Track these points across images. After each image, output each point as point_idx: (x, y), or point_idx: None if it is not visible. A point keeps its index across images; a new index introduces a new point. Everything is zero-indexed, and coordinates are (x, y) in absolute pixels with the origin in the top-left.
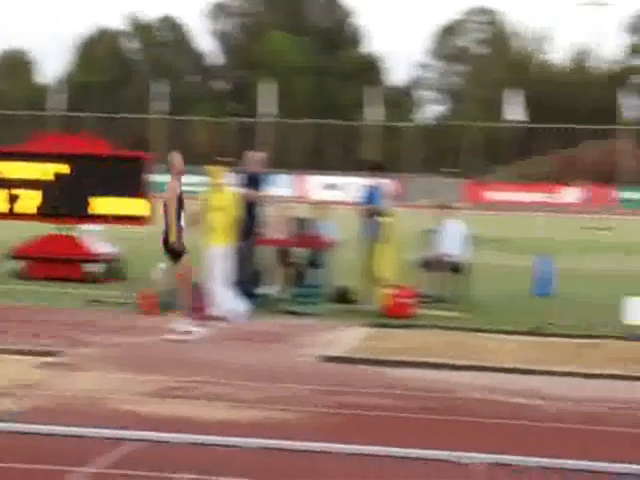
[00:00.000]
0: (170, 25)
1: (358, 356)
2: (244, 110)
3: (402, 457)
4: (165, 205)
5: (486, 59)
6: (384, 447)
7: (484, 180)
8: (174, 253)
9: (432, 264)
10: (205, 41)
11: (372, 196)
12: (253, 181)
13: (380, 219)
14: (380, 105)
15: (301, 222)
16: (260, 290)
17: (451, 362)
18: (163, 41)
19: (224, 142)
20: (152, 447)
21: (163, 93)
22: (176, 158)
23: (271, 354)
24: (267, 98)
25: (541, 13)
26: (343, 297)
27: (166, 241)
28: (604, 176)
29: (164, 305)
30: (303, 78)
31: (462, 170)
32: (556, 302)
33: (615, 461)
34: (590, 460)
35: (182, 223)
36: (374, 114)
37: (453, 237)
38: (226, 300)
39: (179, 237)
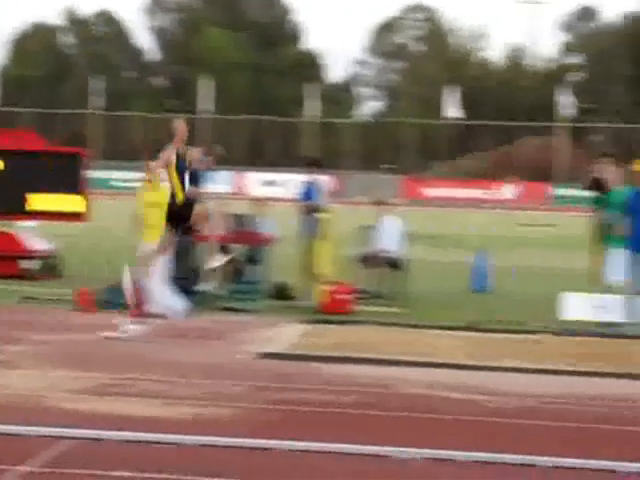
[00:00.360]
0: (107, 20)
1: (296, 352)
2: (182, 106)
3: (340, 453)
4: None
5: (423, 56)
6: (322, 443)
7: (421, 177)
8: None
9: (370, 260)
10: (143, 37)
11: (310, 192)
12: (191, 177)
13: (318, 215)
14: (318, 102)
15: (239, 218)
16: (198, 287)
17: (389, 358)
18: (100, 36)
19: (162, 138)
20: (88, 445)
21: (100, 89)
22: (180, 125)
23: (209, 351)
24: (205, 94)
25: (478, 11)
26: (281, 293)
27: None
28: (540, 173)
29: (102, 302)
30: (241, 74)
31: (399, 167)
32: (493, 298)
33: (549, 455)
34: (525, 454)
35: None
36: (312, 110)
37: (390, 233)
38: (164, 297)
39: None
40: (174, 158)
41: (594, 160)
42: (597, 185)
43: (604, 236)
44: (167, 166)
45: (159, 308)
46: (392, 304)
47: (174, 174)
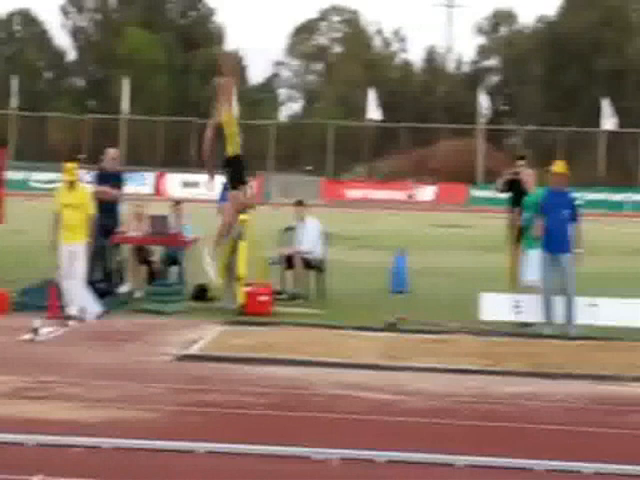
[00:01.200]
0: (25, 19)
1: (215, 354)
2: (101, 107)
3: (259, 454)
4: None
5: (343, 58)
6: (240, 445)
7: (341, 178)
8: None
9: (290, 261)
10: (62, 37)
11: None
12: (109, 178)
13: (239, 216)
14: (238, 103)
15: (159, 220)
16: (116, 288)
17: (308, 359)
18: (18, 36)
19: (81, 139)
20: (2, 449)
21: (18, 89)
22: (230, 58)
23: (127, 353)
24: (125, 95)
25: (397, 13)
26: (201, 295)
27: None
28: (459, 175)
29: (18, 304)
30: (162, 75)
31: (320, 168)
32: (412, 298)
33: (464, 454)
34: (440, 453)
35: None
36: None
37: (311, 234)
38: (82, 299)
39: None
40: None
41: (510, 162)
42: (512, 187)
43: (521, 237)
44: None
45: (77, 310)
46: (312, 305)
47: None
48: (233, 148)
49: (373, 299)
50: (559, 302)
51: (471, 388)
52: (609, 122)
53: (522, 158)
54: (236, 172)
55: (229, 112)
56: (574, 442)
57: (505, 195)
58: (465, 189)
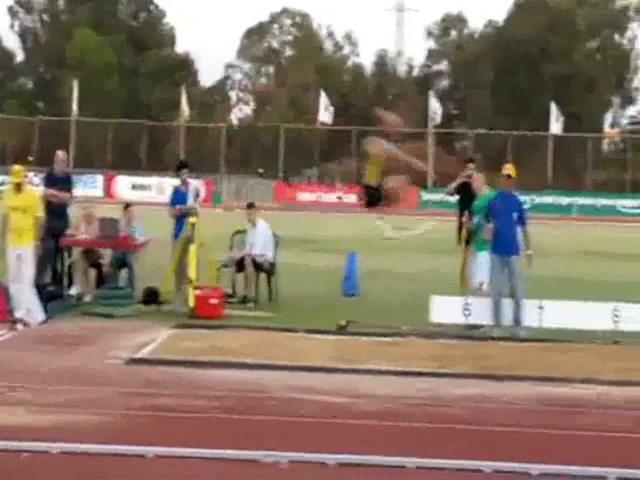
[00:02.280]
0: None
1: (166, 358)
2: (50, 109)
3: (211, 458)
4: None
5: (294, 60)
6: (191, 449)
7: (292, 181)
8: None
9: (241, 264)
10: (10, 38)
11: (181, 196)
12: (58, 181)
13: (189, 219)
14: (190, 105)
15: (109, 222)
16: (66, 292)
17: (260, 362)
18: None
19: (29, 141)
20: None
21: None
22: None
23: (77, 357)
24: (74, 97)
25: (348, 16)
26: (152, 298)
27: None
28: (410, 177)
29: None
30: (112, 77)
31: (271, 171)
32: (363, 301)
33: (415, 456)
34: (392, 455)
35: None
36: (184, 114)
37: (262, 237)
38: (30, 302)
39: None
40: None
41: (462, 166)
42: (462, 190)
43: (471, 239)
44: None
45: (25, 313)
46: (263, 308)
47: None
48: (373, 178)
49: (324, 302)
50: (507, 304)
51: (421, 390)
52: (557, 126)
53: (471, 161)
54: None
55: (381, 151)
56: (522, 443)
57: (455, 198)
58: (416, 192)
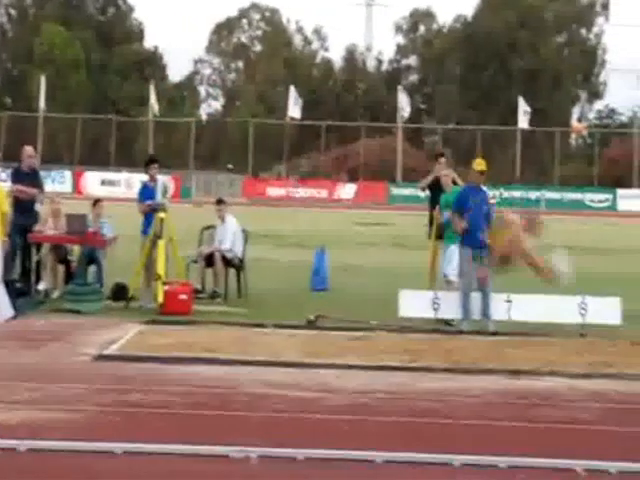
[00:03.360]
0: None
1: (135, 354)
2: (18, 104)
3: (178, 454)
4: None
5: (263, 56)
6: (161, 445)
7: (262, 176)
8: None
9: (210, 260)
10: None
11: (149, 192)
12: (26, 176)
13: (158, 215)
14: (159, 100)
15: (77, 218)
16: (34, 288)
17: (229, 357)
18: None
19: None
20: None
21: None
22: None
23: (46, 354)
24: (42, 92)
25: (317, 11)
26: (120, 294)
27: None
28: (379, 173)
29: None
30: (80, 72)
31: (240, 166)
32: (332, 296)
33: (385, 450)
34: (361, 450)
35: None
36: (153, 109)
37: (231, 233)
38: None
39: None
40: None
41: (431, 160)
42: (433, 185)
43: (442, 234)
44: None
45: None
46: (232, 303)
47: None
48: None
49: (294, 297)
50: (476, 298)
51: (391, 384)
52: (525, 121)
53: (442, 155)
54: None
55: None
56: (491, 437)
57: (426, 194)
58: (385, 187)
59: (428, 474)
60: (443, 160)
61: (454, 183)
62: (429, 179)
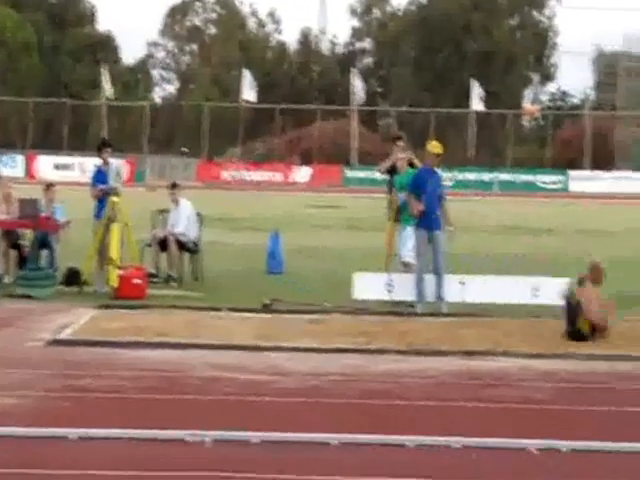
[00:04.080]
0: None
1: (88, 338)
2: None
3: (132, 438)
4: None
5: (217, 39)
6: (113, 429)
7: (216, 159)
8: None
9: (164, 244)
10: None
11: (103, 176)
12: None
13: (111, 199)
14: (112, 84)
15: (29, 203)
16: None
17: (183, 341)
18: None
19: None
20: None
21: None
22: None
23: None
24: None
25: None
26: (73, 279)
27: None
28: (334, 155)
29: None
30: (32, 55)
31: (194, 149)
32: (288, 279)
33: (339, 432)
34: (315, 432)
35: None
36: (106, 93)
37: (185, 216)
38: None
39: None
40: None
41: (386, 143)
42: (395, 168)
43: (398, 216)
44: None
45: None
46: (187, 287)
47: None
48: None
49: (249, 280)
50: (430, 280)
51: (345, 367)
52: (478, 103)
53: (399, 138)
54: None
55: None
56: (445, 417)
57: (383, 176)
58: (340, 170)
59: (383, 455)
60: (401, 143)
61: (411, 165)
62: (388, 163)
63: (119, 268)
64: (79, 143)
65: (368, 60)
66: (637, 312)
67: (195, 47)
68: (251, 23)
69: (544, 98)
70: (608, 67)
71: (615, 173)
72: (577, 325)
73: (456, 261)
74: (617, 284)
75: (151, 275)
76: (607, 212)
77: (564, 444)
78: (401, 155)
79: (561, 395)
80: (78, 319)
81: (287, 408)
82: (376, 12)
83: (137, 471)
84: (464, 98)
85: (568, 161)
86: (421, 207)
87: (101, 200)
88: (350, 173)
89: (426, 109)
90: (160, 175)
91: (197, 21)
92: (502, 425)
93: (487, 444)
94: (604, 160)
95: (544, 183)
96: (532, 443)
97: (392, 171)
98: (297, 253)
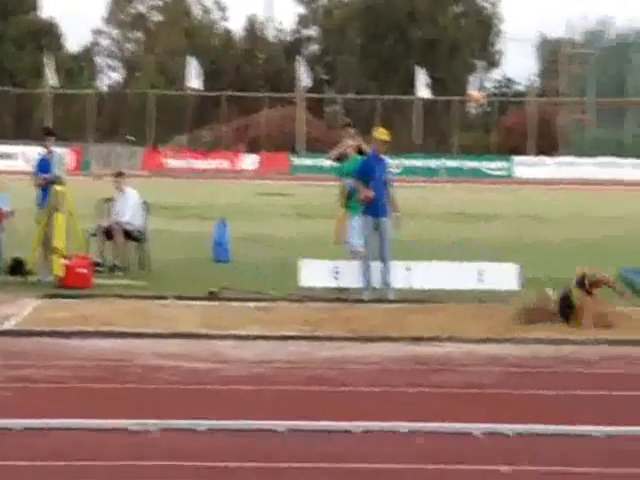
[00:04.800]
0: None
1: (33, 329)
2: None
3: (79, 428)
4: None
5: (162, 26)
6: (57, 420)
7: (162, 148)
8: None
9: (109, 233)
10: None
11: (46, 164)
12: None
13: (55, 188)
14: (56, 72)
15: None
16: None
17: (130, 330)
18: None
19: None
20: None
21: None
22: None
23: None
24: None
25: None
26: (18, 269)
27: None
28: (281, 143)
29: None
30: None
31: (140, 138)
32: (234, 267)
33: (286, 419)
34: (261, 419)
35: None
36: (50, 81)
37: (130, 205)
38: None
39: None
40: None
41: (332, 130)
42: (345, 155)
43: (347, 203)
44: None
45: None
46: (133, 276)
47: None
48: None
49: (195, 269)
50: (377, 267)
51: (291, 354)
52: (424, 90)
53: (348, 125)
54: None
55: None
56: (391, 403)
57: (333, 164)
58: (287, 157)
59: (330, 442)
60: (350, 130)
61: (360, 152)
62: (338, 150)
63: (64, 257)
64: (23, 132)
65: (314, 47)
66: None
67: (140, 35)
68: (196, 10)
69: (489, 85)
70: (551, 54)
71: (558, 159)
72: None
73: (402, 247)
74: (551, 269)
75: (96, 264)
76: (551, 197)
77: (509, 428)
78: (350, 142)
79: (507, 379)
80: (22, 309)
81: (233, 396)
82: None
83: (82, 461)
84: (410, 85)
85: (513, 147)
86: (370, 193)
87: (44, 189)
88: (297, 161)
89: (372, 96)
90: (106, 164)
91: (142, 8)
92: (448, 410)
93: (433, 429)
94: (548, 146)
95: (489, 169)
96: (477, 427)
97: (342, 158)
98: (244, 241)
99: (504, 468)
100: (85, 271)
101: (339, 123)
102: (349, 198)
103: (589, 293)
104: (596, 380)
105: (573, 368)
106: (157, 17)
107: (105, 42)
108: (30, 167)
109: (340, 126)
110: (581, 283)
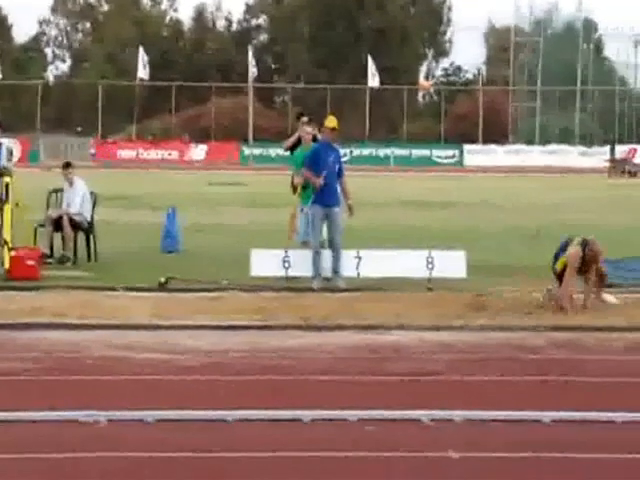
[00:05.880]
0: None
1: None
2: None
3: (28, 420)
4: None
5: (111, 16)
6: (9, 412)
7: (111, 138)
8: None
9: (58, 224)
10: None
11: None
12: None
13: (2, 179)
14: (4, 62)
15: None
16: None
17: (81, 322)
18: None
19: None
20: None
21: None
22: None
23: None
24: None
25: None
26: None
27: None
28: (231, 133)
29: None
30: None
31: (89, 128)
32: (184, 257)
33: (237, 409)
34: (213, 409)
35: None
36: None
37: (79, 196)
38: None
39: None
40: None
41: (282, 119)
42: (295, 145)
43: (299, 192)
44: None
45: None
46: (82, 267)
47: None
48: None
49: (145, 259)
50: (327, 255)
51: (242, 343)
52: (373, 79)
53: (302, 115)
54: None
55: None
56: (342, 391)
57: (287, 153)
58: (237, 147)
59: (280, 430)
60: (305, 119)
61: (315, 140)
62: (293, 138)
63: (12, 249)
64: None
65: (264, 37)
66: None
67: (88, 24)
68: (145, 0)
69: (438, 73)
70: (500, 42)
71: (508, 147)
72: (555, 264)
73: (352, 236)
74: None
75: (45, 256)
76: (501, 185)
77: (458, 414)
78: (309, 129)
79: (456, 366)
80: None
81: (185, 386)
82: None
83: (31, 453)
84: (360, 74)
85: (462, 135)
86: (321, 181)
87: None
88: (247, 150)
89: (322, 85)
90: (54, 155)
91: None
92: (398, 397)
93: (382, 416)
94: (497, 134)
95: (439, 157)
96: (426, 414)
97: (297, 145)
98: (195, 231)
99: (453, 454)
100: (33, 263)
101: (294, 114)
102: (304, 188)
103: (586, 269)
104: (543, 366)
105: (521, 354)
106: (105, 7)
107: (53, 32)
108: None
109: (295, 116)
110: (584, 244)
